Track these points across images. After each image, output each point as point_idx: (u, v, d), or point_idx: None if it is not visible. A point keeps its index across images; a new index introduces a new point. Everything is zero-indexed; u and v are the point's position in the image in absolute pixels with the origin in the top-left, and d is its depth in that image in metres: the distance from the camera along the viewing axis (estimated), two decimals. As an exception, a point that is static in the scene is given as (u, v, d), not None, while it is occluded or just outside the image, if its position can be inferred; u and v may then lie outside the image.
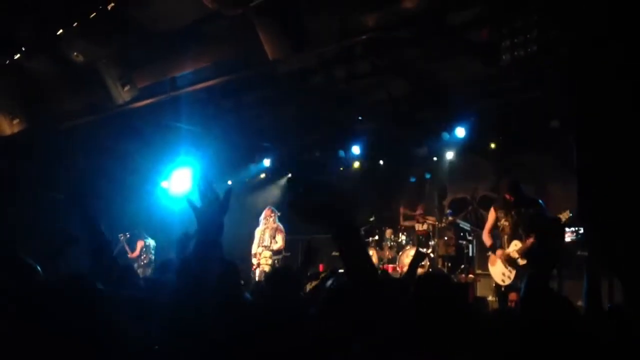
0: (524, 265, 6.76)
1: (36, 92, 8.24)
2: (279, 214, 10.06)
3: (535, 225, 6.47)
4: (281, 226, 9.92)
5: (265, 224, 9.91)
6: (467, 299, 6.30)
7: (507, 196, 6.97)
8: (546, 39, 5.50)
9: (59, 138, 9.92)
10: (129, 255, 11.13)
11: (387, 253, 10.67)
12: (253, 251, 9.82)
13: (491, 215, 7.30)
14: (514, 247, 6.86)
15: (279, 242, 9.81)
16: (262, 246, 9.76)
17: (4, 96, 8.46)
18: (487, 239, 7.35)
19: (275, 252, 9.78)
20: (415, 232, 10.70)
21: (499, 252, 7.02)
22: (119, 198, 11.51)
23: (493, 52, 6.00)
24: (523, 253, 6.76)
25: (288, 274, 4.34)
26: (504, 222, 7.05)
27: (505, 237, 7.02)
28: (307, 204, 1.82)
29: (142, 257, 11.24)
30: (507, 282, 6.91)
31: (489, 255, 7.37)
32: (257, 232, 9.96)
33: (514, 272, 6.84)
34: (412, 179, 11.97)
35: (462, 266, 9.63)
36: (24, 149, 9.46)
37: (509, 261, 6.89)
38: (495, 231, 7.28)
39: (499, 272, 7.02)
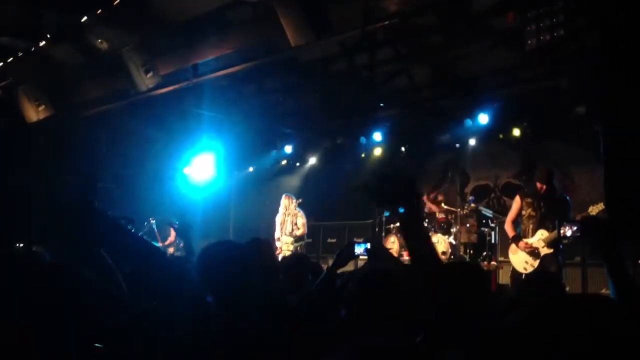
0: (547, 254, 6.69)
1: (61, 79, 8.35)
2: (300, 200, 10.08)
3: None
4: (302, 212, 9.94)
5: (285, 211, 9.93)
6: (490, 286, 6.25)
7: (539, 185, 6.85)
8: (572, 23, 5.40)
9: (82, 124, 10.05)
10: (159, 243, 11.07)
11: (409, 240, 10.60)
12: (276, 236, 9.86)
13: (516, 203, 7.10)
14: (540, 236, 6.74)
15: (301, 228, 9.84)
16: (285, 233, 9.79)
17: (30, 83, 8.59)
18: (509, 229, 7.12)
19: (297, 239, 9.82)
20: (436, 219, 10.63)
21: (521, 243, 6.85)
22: (142, 183, 11.67)
23: (518, 37, 5.91)
24: (549, 243, 6.67)
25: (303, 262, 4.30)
26: (530, 211, 6.90)
27: (531, 226, 6.86)
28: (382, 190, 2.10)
29: (177, 241, 11.13)
30: (530, 269, 6.81)
31: (510, 243, 7.26)
32: (278, 219, 9.99)
33: (537, 260, 6.75)
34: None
35: (484, 253, 9.57)
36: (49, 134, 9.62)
37: (533, 250, 6.79)
38: (519, 219, 7.14)
39: (521, 260, 6.89)
